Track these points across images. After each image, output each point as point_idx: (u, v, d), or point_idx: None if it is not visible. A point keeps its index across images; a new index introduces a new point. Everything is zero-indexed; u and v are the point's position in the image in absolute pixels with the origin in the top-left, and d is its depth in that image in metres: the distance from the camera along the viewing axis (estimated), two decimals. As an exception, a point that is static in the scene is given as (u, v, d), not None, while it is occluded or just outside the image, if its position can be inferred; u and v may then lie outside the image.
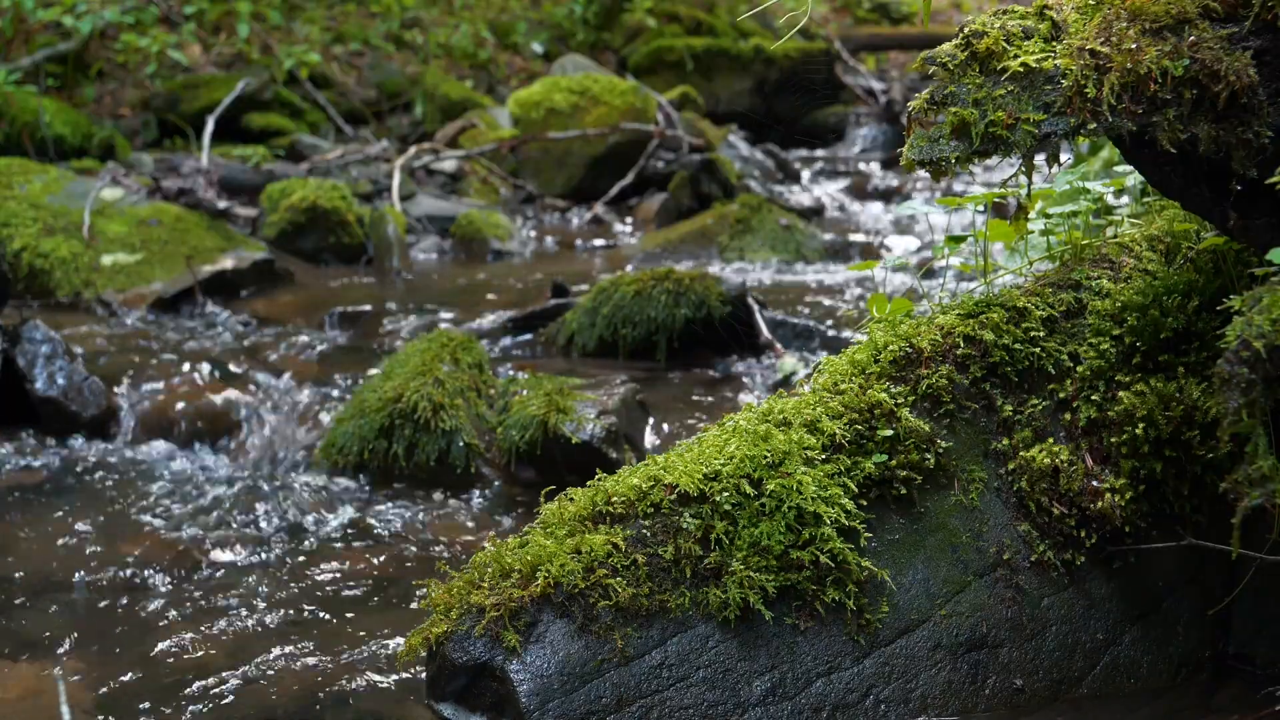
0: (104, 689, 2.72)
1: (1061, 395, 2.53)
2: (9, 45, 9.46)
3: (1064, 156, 2.31)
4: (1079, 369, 2.53)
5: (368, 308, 5.75)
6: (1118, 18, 2.16)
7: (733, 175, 8.37)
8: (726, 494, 2.37)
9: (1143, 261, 2.65)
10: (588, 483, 2.49)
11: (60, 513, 3.80)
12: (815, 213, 8.39)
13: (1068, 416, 2.51)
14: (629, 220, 8.32)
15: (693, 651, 2.28)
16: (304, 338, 5.38)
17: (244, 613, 3.12)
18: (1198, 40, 2.12)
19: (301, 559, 3.47)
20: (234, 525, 3.69)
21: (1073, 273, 2.67)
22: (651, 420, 4.24)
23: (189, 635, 2.99)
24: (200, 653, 2.90)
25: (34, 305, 5.97)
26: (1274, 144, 2.14)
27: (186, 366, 4.72)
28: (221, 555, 3.48)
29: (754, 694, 2.28)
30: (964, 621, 2.40)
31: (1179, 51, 2.12)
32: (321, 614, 3.10)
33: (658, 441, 4.14)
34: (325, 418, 4.35)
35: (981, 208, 2.98)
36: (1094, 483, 2.44)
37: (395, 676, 2.73)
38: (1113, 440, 2.46)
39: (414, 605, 3.14)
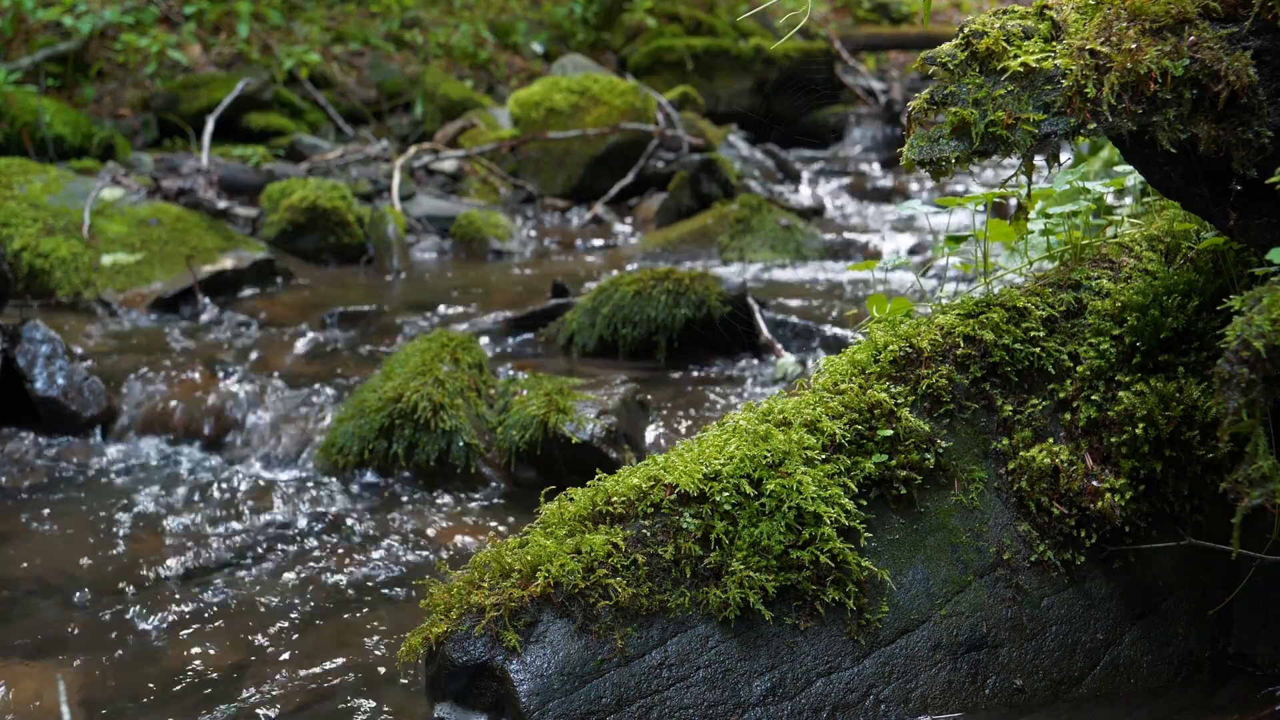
0: (104, 689, 2.72)
1: (1061, 395, 2.53)
2: (9, 45, 9.46)
3: (1064, 156, 2.31)
4: (1079, 369, 2.53)
5: (368, 308, 5.75)
6: (1118, 18, 2.16)
7: (733, 175, 8.37)
8: (726, 494, 2.37)
9: (1143, 261, 2.65)
10: (588, 483, 2.49)
11: (60, 513, 3.80)
12: (815, 213, 8.39)
13: (1068, 416, 2.51)
14: (629, 220, 8.32)
15: (693, 651, 2.28)
16: (304, 338, 5.38)
17: (244, 612, 3.12)
18: (1198, 40, 2.12)
19: (301, 559, 3.47)
20: (233, 525, 3.69)
21: (1073, 273, 2.67)
22: (651, 420, 4.24)
23: (189, 635, 2.99)
24: (200, 652, 2.90)
25: (34, 305, 5.97)
26: (1274, 144, 2.14)
27: (186, 366, 4.72)
28: (221, 555, 3.48)
29: (754, 694, 2.28)
30: (964, 621, 2.40)
31: (1179, 51, 2.12)
32: (321, 614, 3.10)
33: (658, 441, 4.15)
34: (325, 418, 4.35)
35: (981, 208, 2.98)
36: (1094, 483, 2.44)
37: (395, 677, 2.73)
38: (1113, 440, 2.46)
39: (414, 605, 3.14)
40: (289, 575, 3.36)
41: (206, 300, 6.06)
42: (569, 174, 8.77)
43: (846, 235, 7.58)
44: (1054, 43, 2.20)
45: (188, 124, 9.33)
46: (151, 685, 2.73)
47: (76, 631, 3.02)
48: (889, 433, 2.46)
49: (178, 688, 2.72)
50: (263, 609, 3.14)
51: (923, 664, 2.36)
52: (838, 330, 5.02)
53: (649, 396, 4.37)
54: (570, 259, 7.39)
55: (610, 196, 8.57)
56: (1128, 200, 3.16)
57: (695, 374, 4.83)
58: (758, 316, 4.95)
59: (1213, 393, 2.25)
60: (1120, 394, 2.47)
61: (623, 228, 8.17)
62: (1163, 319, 2.49)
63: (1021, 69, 2.17)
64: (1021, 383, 2.56)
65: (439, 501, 3.90)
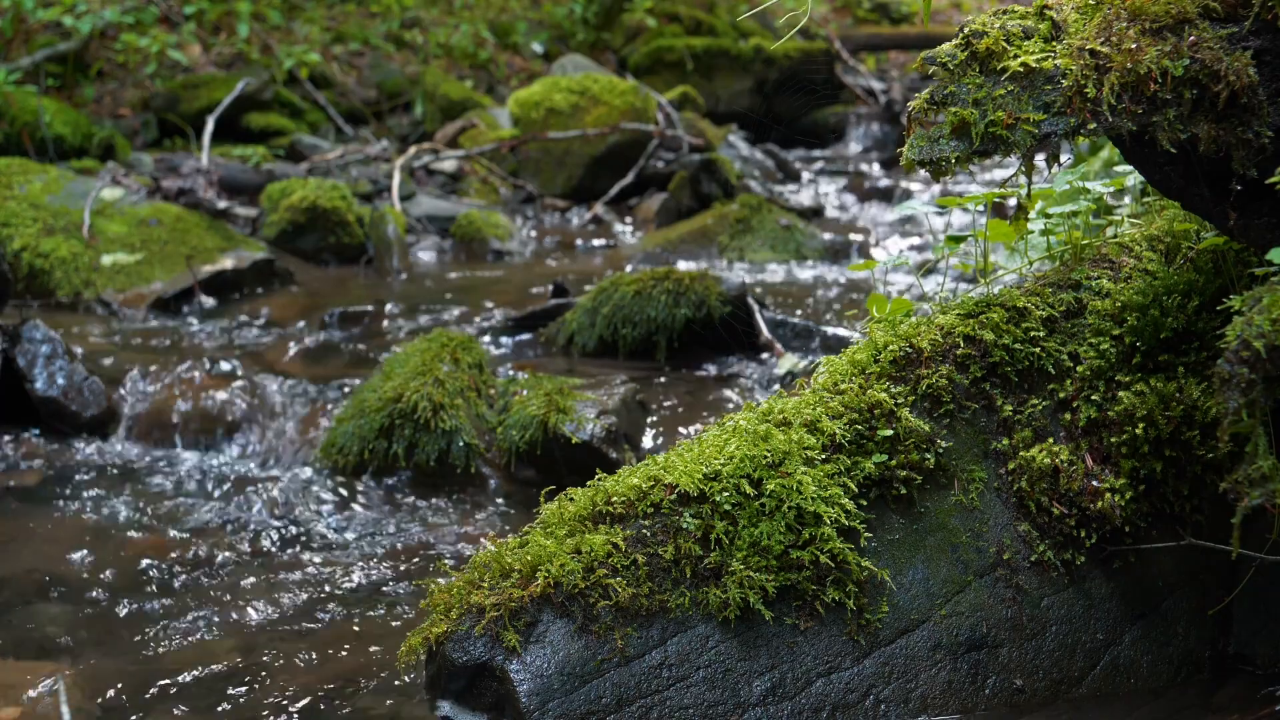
0: (104, 689, 2.72)
1: (1061, 395, 2.53)
2: (9, 45, 9.45)
3: (1064, 156, 2.31)
4: (1079, 369, 2.53)
5: (368, 308, 5.75)
6: (1118, 18, 2.16)
7: (733, 175, 8.37)
8: (726, 494, 2.37)
9: (1143, 261, 2.65)
10: (588, 483, 2.49)
11: (60, 513, 3.80)
12: (815, 213, 8.39)
13: (1068, 416, 2.51)
14: (629, 220, 8.32)
15: (693, 651, 2.28)
16: (304, 338, 5.38)
17: (243, 612, 3.12)
18: (1198, 40, 2.12)
19: (301, 559, 3.47)
20: (233, 525, 3.69)
21: (1073, 273, 2.67)
22: (651, 420, 4.24)
23: (188, 635, 2.99)
24: (200, 653, 2.90)
25: (34, 305, 5.97)
26: (1274, 144, 2.14)
27: (186, 367, 4.72)
28: (221, 555, 3.48)
29: (754, 694, 2.28)
30: (964, 621, 2.40)
31: (1179, 51, 2.12)
32: (321, 614, 3.10)
33: (658, 441, 4.15)
34: (325, 418, 4.35)
35: (981, 208, 2.98)
36: (1094, 483, 2.44)
37: (395, 676, 2.73)
38: (1113, 440, 2.46)
39: (414, 605, 3.14)
40: (289, 575, 3.35)
41: (207, 300, 6.06)
42: (569, 174, 8.77)
43: (846, 235, 7.58)
44: (1054, 43, 2.20)
45: (188, 124, 9.33)
46: (151, 685, 2.73)
47: (76, 631, 3.02)
48: (889, 433, 2.46)
49: (178, 688, 2.72)
50: (263, 609, 3.14)
51: (923, 664, 2.36)
52: (838, 330, 5.02)
53: (649, 397, 4.37)
54: (570, 259, 7.39)
55: (610, 196, 8.57)
56: (1128, 200, 3.16)
57: (695, 374, 4.83)
58: (758, 316, 4.95)
59: (1213, 393, 2.25)
60: (1120, 394, 2.47)
61: (623, 228, 8.17)
62: (1163, 319, 2.49)
63: (1021, 69, 2.17)
64: (1021, 383, 2.56)
65: (439, 501, 3.90)
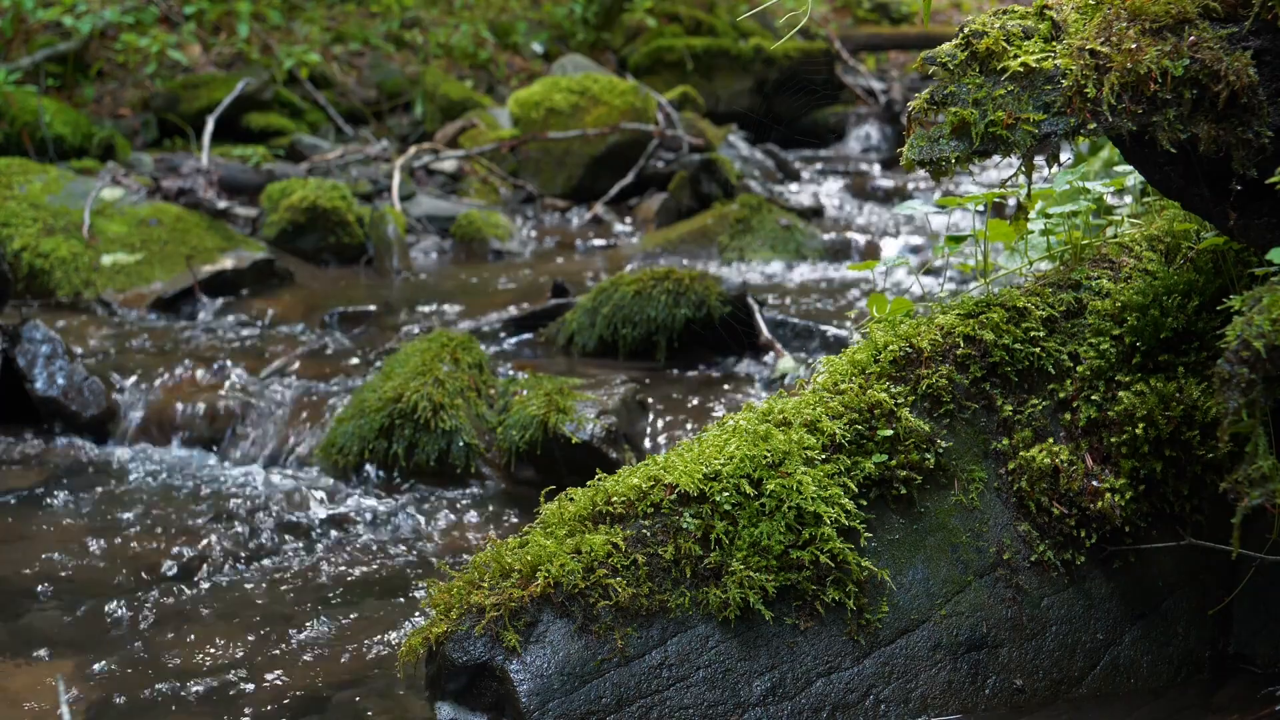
0: (104, 689, 2.72)
1: (1061, 395, 2.53)
2: (9, 45, 9.45)
3: (1064, 156, 2.31)
4: (1079, 369, 2.53)
5: (368, 308, 5.75)
6: (1118, 18, 2.16)
7: (733, 175, 8.37)
8: (726, 494, 2.37)
9: (1143, 261, 2.65)
10: (588, 483, 2.49)
11: (60, 513, 3.80)
12: (815, 213, 8.38)
13: (1068, 416, 2.51)
14: (629, 220, 8.32)
15: (693, 651, 2.28)
16: (304, 338, 5.38)
17: (244, 612, 3.12)
18: (1198, 40, 2.12)
19: (301, 559, 3.47)
20: (233, 525, 3.69)
21: (1073, 273, 2.67)
22: (651, 420, 4.24)
23: (189, 635, 2.99)
24: (200, 652, 2.90)
25: (34, 305, 5.97)
26: (1274, 144, 2.14)
27: (186, 366, 4.72)
28: (221, 555, 3.48)
29: (754, 694, 2.28)
30: (964, 621, 2.40)
31: (1179, 51, 2.12)
32: (321, 614, 3.10)
33: (658, 441, 4.15)
34: (325, 418, 4.35)
35: (981, 208, 2.98)
36: (1094, 483, 2.44)
37: (395, 676, 2.73)
38: (1113, 440, 2.46)
39: (414, 605, 3.14)
40: (289, 575, 3.36)
41: (206, 300, 6.06)
42: (569, 174, 8.77)
43: (846, 235, 7.58)
44: (1054, 43, 2.20)
45: (188, 124, 9.33)
46: (151, 685, 2.73)
47: (76, 631, 3.02)
48: (889, 433, 2.46)
49: (178, 688, 2.72)
50: (263, 609, 3.14)
51: (923, 664, 2.36)
52: (838, 330, 5.02)
53: (649, 397, 4.37)
54: (570, 259, 7.39)
55: (610, 196, 8.56)
56: (1128, 200, 3.16)
57: (695, 374, 4.83)
58: (758, 316, 4.95)
59: (1213, 393, 2.25)
60: (1120, 394, 2.47)
61: (623, 228, 8.17)
62: (1163, 319, 2.49)
63: (1021, 69, 2.17)
64: (1021, 383, 2.56)
65: (439, 501, 3.90)
